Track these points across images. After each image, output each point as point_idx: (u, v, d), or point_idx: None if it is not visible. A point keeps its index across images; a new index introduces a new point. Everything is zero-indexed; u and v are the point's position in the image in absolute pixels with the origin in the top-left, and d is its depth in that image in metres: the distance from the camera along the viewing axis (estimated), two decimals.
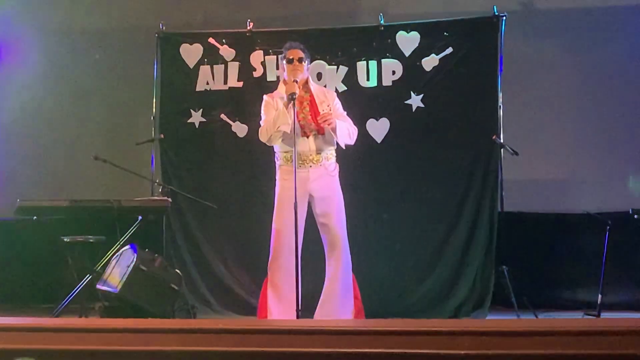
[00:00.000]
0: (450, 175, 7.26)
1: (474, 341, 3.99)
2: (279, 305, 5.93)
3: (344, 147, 6.09)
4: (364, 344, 4.05)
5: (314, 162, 5.94)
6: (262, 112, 6.11)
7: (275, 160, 6.13)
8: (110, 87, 8.44)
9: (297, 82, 5.93)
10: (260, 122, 6.10)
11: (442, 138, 7.31)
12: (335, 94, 6.33)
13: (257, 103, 6.38)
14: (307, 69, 6.14)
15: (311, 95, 6.07)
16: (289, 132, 5.80)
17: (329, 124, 5.89)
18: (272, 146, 6.11)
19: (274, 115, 5.90)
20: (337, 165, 6.12)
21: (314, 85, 6.21)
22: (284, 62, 6.08)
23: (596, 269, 6.51)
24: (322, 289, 6.09)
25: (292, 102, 5.76)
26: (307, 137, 5.94)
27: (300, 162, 5.88)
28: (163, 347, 4.20)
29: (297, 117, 5.87)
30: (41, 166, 8.43)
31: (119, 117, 8.43)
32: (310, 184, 5.88)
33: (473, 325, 4.90)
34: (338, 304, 5.98)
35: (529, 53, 7.81)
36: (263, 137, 5.99)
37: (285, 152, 5.99)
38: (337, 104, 6.20)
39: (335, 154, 6.12)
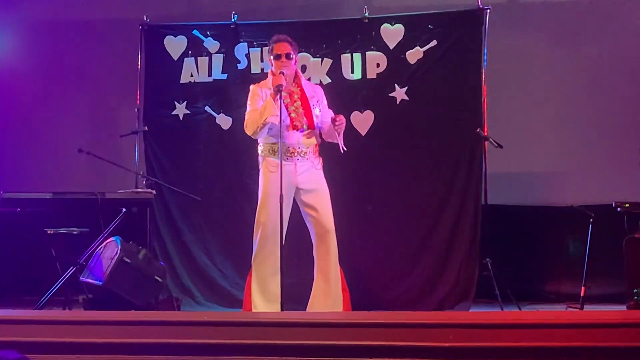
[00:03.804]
0: (434, 167, 7.26)
1: (458, 333, 4.02)
2: (264, 299, 5.92)
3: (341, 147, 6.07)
4: (349, 337, 4.07)
5: (302, 155, 5.92)
6: (249, 102, 6.04)
7: (259, 151, 6.11)
8: (94, 78, 8.39)
9: (283, 73, 5.88)
10: (246, 112, 6.03)
11: (427, 130, 7.31)
12: (322, 90, 6.30)
13: (241, 95, 6.35)
14: (295, 63, 6.09)
15: (301, 89, 6.05)
16: (277, 123, 5.78)
17: (341, 129, 5.91)
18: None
19: (261, 107, 5.85)
20: (321, 159, 6.11)
21: (303, 79, 6.19)
22: (271, 57, 6.02)
23: (579, 262, 6.54)
24: (309, 283, 6.09)
25: (279, 94, 5.74)
26: (297, 130, 5.91)
27: (288, 154, 5.86)
28: (147, 340, 4.20)
29: (287, 109, 5.86)
30: (24, 158, 8.38)
31: (103, 109, 8.40)
32: (298, 176, 5.86)
33: (457, 317, 4.93)
34: (331, 297, 5.98)
35: (513, 46, 7.82)
36: (249, 130, 5.92)
37: (272, 143, 5.93)
38: (325, 100, 6.19)
39: (319, 149, 6.12)
